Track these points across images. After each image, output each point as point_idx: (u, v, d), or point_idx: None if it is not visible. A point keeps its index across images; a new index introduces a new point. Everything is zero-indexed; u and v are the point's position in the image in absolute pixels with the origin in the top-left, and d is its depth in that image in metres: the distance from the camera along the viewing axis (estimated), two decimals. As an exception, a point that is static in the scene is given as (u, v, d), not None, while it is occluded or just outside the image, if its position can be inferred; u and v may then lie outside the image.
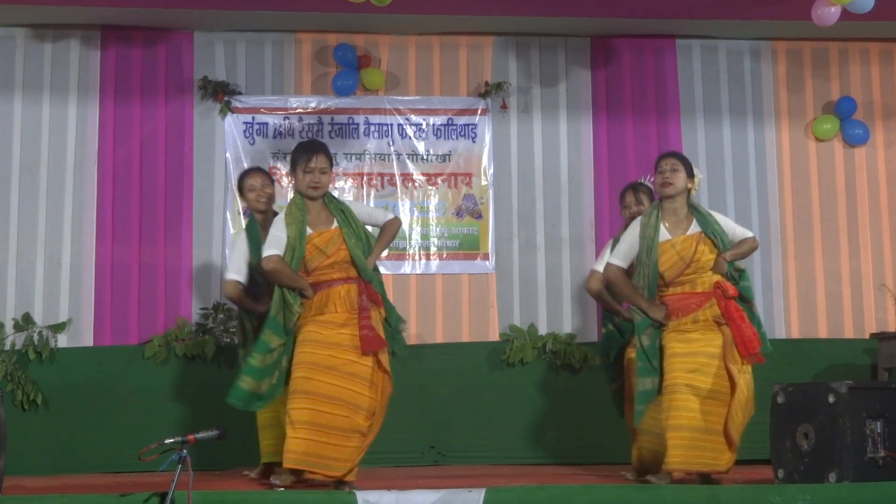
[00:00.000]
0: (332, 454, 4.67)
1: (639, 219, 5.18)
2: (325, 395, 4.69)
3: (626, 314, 5.43)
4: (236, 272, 5.24)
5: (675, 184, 5.05)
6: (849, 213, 7.31)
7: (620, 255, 5.16)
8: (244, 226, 5.61)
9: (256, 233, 5.29)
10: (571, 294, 6.97)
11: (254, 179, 5.52)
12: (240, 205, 6.75)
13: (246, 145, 6.95)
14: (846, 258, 7.26)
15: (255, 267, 5.18)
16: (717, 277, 4.99)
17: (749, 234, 5.20)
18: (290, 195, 6.32)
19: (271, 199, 5.51)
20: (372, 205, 6.98)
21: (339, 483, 4.70)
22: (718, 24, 7.10)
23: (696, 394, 4.84)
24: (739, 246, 5.11)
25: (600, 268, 5.52)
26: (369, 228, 5.11)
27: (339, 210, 4.95)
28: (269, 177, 5.61)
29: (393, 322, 5.03)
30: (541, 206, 7.12)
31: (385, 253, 6.88)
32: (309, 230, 4.86)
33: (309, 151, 4.93)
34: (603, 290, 5.58)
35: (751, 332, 4.91)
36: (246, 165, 6.80)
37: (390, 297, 6.85)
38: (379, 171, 7.08)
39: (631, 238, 5.13)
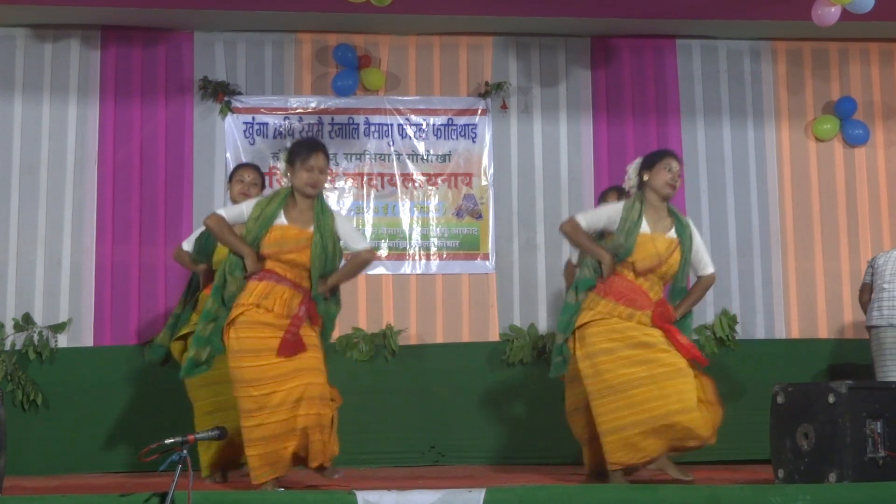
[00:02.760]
0: (312, 450, 4.65)
1: (619, 202, 5.13)
2: (278, 404, 4.63)
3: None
4: (188, 242, 5.57)
5: (678, 188, 5.07)
6: (849, 213, 7.31)
7: (587, 216, 5.08)
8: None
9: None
10: (571, 294, 6.97)
11: (246, 173, 5.59)
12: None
13: (246, 145, 6.95)
14: (846, 258, 7.26)
15: (206, 250, 5.43)
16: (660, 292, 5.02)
17: (710, 269, 5.15)
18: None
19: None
20: (372, 205, 6.99)
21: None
22: (718, 24, 7.10)
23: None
24: (692, 294, 5.12)
25: (573, 258, 5.71)
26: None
27: (321, 215, 4.84)
28: (261, 176, 5.64)
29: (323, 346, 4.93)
30: (541, 206, 7.12)
31: (385, 253, 6.93)
32: (284, 220, 4.79)
33: (311, 149, 4.86)
34: (568, 274, 5.73)
35: (685, 341, 4.94)
36: (246, 166, 6.83)
37: (390, 296, 6.95)
38: (379, 171, 7.08)
39: (610, 212, 5.04)
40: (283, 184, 5.01)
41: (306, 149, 4.87)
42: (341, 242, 4.91)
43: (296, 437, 4.64)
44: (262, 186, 5.64)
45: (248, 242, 4.78)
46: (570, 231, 5.04)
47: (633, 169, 5.14)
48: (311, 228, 4.81)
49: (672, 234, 5.03)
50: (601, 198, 5.79)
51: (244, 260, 4.76)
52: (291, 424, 4.63)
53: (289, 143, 6.78)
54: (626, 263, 4.97)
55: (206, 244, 5.43)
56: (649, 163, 5.08)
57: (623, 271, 4.98)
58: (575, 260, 5.66)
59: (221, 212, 4.90)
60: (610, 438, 4.88)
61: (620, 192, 5.64)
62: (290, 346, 4.67)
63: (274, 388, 4.63)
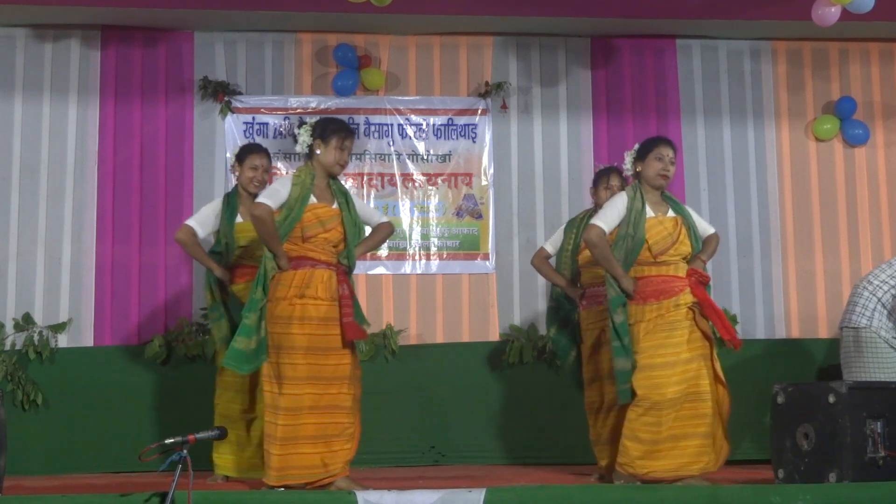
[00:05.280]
0: (330, 460, 4.65)
1: (622, 193, 5.12)
2: (315, 407, 4.65)
3: (566, 287, 5.58)
4: (196, 222, 5.41)
5: (671, 177, 5.07)
6: (849, 213, 7.31)
7: (607, 219, 4.99)
8: (226, 192, 5.68)
9: (235, 204, 5.40)
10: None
11: (260, 159, 5.48)
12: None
13: (246, 145, 6.95)
14: (846, 258, 7.26)
15: (225, 234, 5.34)
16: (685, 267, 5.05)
17: (712, 229, 5.25)
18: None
19: (264, 185, 5.42)
20: (372, 205, 6.97)
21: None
22: (718, 24, 7.10)
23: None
24: (708, 246, 5.18)
25: (548, 246, 5.75)
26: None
27: (342, 193, 4.90)
28: (270, 161, 5.59)
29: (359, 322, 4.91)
30: (541, 206, 7.12)
31: (385, 252, 6.94)
32: (314, 199, 4.79)
33: (349, 131, 4.88)
34: (542, 265, 5.75)
35: (726, 322, 4.98)
36: (246, 165, 6.84)
37: (390, 296, 6.95)
38: (379, 171, 7.08)
39: (619, 206, 5.01)
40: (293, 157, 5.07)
41: (344, 130, 4.87)
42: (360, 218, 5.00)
43: (321, 443, 4.64)
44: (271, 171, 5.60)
45: (286, 225, 4.70)
46: (599, 242, 4.93)
47: (629, 158, 5.14)
48: (335, 205, 4.84)
49: (672, 213, 5.06)
50: (598, 180, 5.73)
51: (277, 260, 4.70)
52: (321, 430, 4.64)
53: (290, 145, 6.82)
54: (644, 254, 4.95)
55: (230, 232, 5.32)
56: (642, 153, 5.08)
57: (644, 268, 4.96)
58: (550, 249, 5.74)
59: (267, 201, 4.70)
60: (630, 444, 4.88)
61: (619, 175, 5.65)
62: (354, 330, 4.70)
63: (310, 390, 4.64)
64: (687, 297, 4.94)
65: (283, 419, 4.62)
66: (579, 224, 5.69)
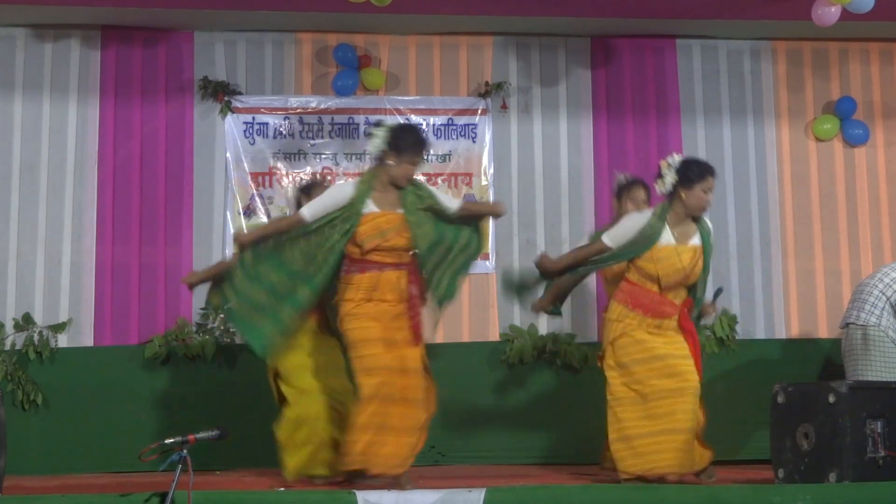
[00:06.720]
0: (403, 452, 4.80)
1: (643, 211, 5.08)
2: (398, 399, 4.76)
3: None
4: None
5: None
6: (849, 213, 7.30)
7: (615, 238, 5.01)
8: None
9: None
10: (572, 294, 6.95)
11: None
12: (240, 205, 6.78)
13: (246, 145, 6.95)
14: (846, 258, 7.26)
15: None
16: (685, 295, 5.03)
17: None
18: (290, 194, 6.39)
19: None
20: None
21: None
22: (718, 24, 7.10)
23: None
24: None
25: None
26: None
27: (412, 194, 4.89)
28: None
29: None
30: (541, 206, 7.11)
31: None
32: (374, 208, 4.81)
33: (424, 147, 4.94)
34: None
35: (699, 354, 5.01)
36: (246, 165, 6.85)
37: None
38: (379, 171, 7.07)
39: (635, 226, 4.98)
40: (282, 185, 5.08)
41: (422, 147, 4.92)
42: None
43: (394, 434, 4.77)
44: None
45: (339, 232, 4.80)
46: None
47: (669, 175, 4.95)
48: (399, 210, 4.85)
49: (696, 240, 5.00)
50: (621, 191, 5.69)
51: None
52: (394, 421, 4.75)
53: (290, 145, 6.85)
54: (651, 279, 4.95)
55: None
56: (688, 180, 4.91)
57: (646, 283, 4.98)
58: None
59: (305, 211, 4.89)
60: (619, 447, 4.88)
61: (646, 187, 5.62)
62: (421, 332, 4.82)
63: (385, 379, 4.74)
64: (672, 323, 4.96)
65: (362, 409, 4.76)
66: None
